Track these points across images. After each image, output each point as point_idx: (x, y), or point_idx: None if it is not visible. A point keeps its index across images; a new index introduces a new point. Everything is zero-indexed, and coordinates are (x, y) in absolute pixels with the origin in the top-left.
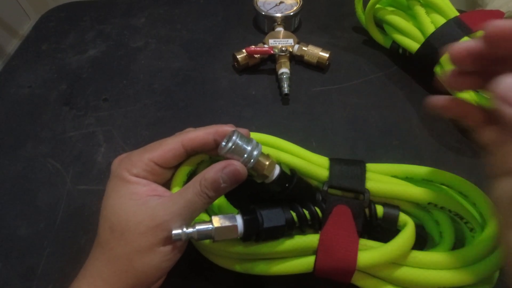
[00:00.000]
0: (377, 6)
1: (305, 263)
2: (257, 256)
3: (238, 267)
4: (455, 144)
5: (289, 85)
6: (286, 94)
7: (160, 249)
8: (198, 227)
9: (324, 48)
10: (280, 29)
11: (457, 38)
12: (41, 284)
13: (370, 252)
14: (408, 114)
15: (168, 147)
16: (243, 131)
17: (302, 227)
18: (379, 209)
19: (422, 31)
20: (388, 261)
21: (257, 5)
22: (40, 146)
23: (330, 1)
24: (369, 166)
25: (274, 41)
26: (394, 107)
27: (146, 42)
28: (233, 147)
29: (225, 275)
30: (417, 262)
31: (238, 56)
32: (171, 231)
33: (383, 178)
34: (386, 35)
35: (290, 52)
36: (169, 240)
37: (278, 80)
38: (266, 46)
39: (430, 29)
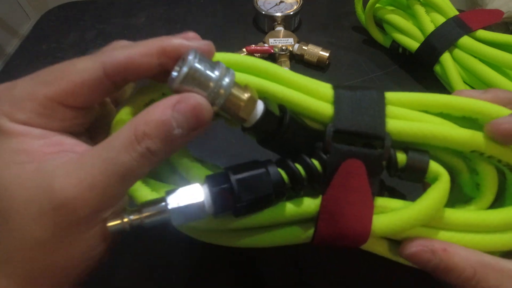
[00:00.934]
0: (377, 5)
1: (303, 233)
2: (238, 229)
3: (220, 240)
4: None
5: None
6: None
7: (73, 240)
8: (146, 211)
9: (324, 47)
10: (280, 28)
11: (456, 37)
12: None
13: (389, 217)
14: None
15: (80, 76)
16: (205, 46)
17: (296, 189)
18: (401, 157)
19: (422, 30)
20: (413, 226)
21: (257, 4)
22: None
23: (330, 1)
24: (389, 96)
25: (274, 40)
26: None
27: None
28: (190, 74)
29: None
30: (449, 223)
31: None
32: (86, 215)
33: (410, 115)
34: (386, 34)
35: (290, 51)
36: (92, 226)
37: None
38: (266, 45)
39: (430, 28)
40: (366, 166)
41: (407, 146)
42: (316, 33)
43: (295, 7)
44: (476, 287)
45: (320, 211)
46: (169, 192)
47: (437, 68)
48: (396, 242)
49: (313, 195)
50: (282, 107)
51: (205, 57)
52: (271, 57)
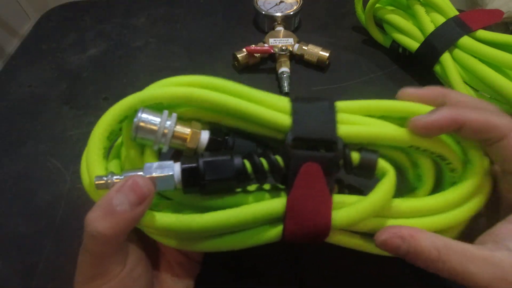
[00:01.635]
0: (377, 5)
1: (273, 232)
2: (212, 232)
3: (196, 246)
4: None
5: (289, 84)
6: (286, 93)
7: None
8: (127, 173)
9: (324, 47)
10: (280, 28)
11: (457, 38)
12: (41, 282)
13: (346, 211)
14: None
15: None
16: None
17: (259, 180)
18: (355, 156)
19: (422, 30)
20: (367, 217)
21: (257, 4)
22: (40, 145)
23: (330, 1)
24: (339, 104)
25: (274, 40)
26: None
27: (146, 41)
28: (139, 125)
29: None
30: (398, 212)
31: (238, 56)
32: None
33: (358, 120)
34: (386, 35)
35: (290, 51)
36: None
37: (278, 79)
38: (266, 45)
39: (430, 28)
40: (323, 167)
41: (361, 147)
42: (316, 33)
43: (295, 7)
44: (444, 268)
45: (286, 210)
46: (147, 164)
47: (437, 68)
48: (364, 235)
49: (279, 195)
50: (226, 130)
51: (151, 110)
52: (271, 57)
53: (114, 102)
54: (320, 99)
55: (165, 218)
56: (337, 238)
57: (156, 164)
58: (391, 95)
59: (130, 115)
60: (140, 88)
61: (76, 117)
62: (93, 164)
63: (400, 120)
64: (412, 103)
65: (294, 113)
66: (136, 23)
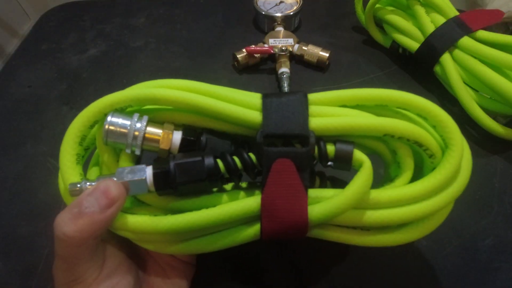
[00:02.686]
0: (377, 5)
1: (251, 231)
2: (192, 234)
3: (173, 248)
4: None
5: (289, 85)
6: None
7: None
8: (100, 181)
9: (324, 48)
10: (280, 28)
11: (457, 38)
12: (41, 283)
13: (322, 205)
14: None
15: None
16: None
17: (234, 179)
18: (330, 148)
19: (422, 30)
20: (344, 210)
21: (257, 4)
22: (40, 145)
23: (330, 1)
24: (312, 97)
25: (274, 40)
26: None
27: (146, 42)
28: (109, 129)
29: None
30: (377, 202)
31: (238, 56)
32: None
33: (331, 111)
34: (386, 35)
35: (290, 52)
36: None
37: (278, 79)
38: (266, 45)
39: (430, 28)
40: (296, 163)
41: (337, 139)
42: (316, 33)
43: (295, 7)
44: None
45: (261, 209)
46: (119, 169)
47: (437, 68)
48: (350, 228)
49: (254, 193)
50: (198, 130)
51: (121, 114)
52: (271, 57)
53: None
54: (292, 93)
55: (138, 220)
56: (318, 233)
57: (128, 168)
58: None
59: (100, 120)
60: None
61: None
62: (66, 171)
63: (376, 108)
64: (385, 89)
65: (265, 109)
66: (136, 23)
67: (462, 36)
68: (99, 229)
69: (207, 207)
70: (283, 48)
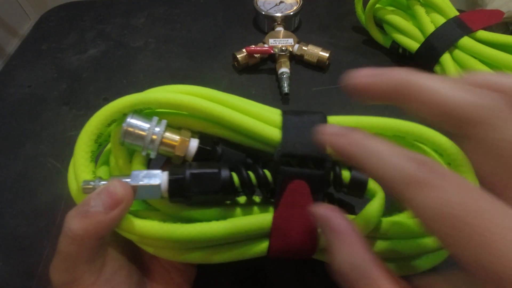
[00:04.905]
0: (377, 5)
1: (258, 248)
2: (200, 244)
3: (181, 257)
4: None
5: (289, 85)
6: (286, 94)
7: None
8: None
9: (324, 48)
10: (280, 28)
11: (457, 38)
12: (41, 283)
13: None
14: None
15: None
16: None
17: (247, 193)
18: (345, 174)
19: (422, 30)
20: None
21: (257, 5)
22: (40, 145)
23: (330, 1)
24: (331, 119)
25: (274, 40)
26: (393, 106)
27: (146, 42)
28: (128, 130)
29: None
30: (385, 232)
31: (238, 56)
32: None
33: None
34: (386, 35)
35: (290, 52)
36: None
37: (278, 79)
38: (266, 45)
39: (430, 28)
40: (310, 185)
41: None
42: (316, 33)
43: (295, 8)
44: None
45: (272, 227)
46: (135, 172)
47: (437, 68)
48: None
49: (267, 210)
50: (216, 140)
51: (140, 116)
52: (271, 57)
53: None
54: (312, 113)
55: (147, 225)
56: (325, 257)
57: (144, 172)
58: None
59: (118, 119)
60: (140, 88)
61: (76, 117)
62: (79, 168)
63: (393, 138)
64: (406, 122)
65: (284, 127)
66: (136, 23)
67: (462, 36)
68: (103, 230)
69: (217, 219)
70: (283, 48)
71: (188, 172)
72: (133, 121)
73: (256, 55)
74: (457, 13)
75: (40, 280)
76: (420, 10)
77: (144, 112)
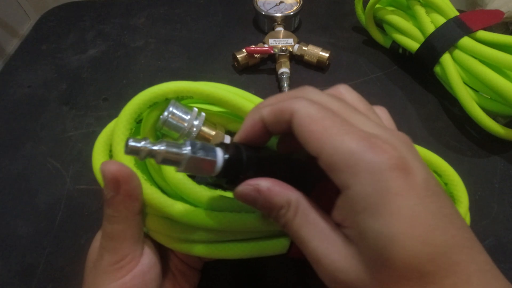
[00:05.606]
0: (377, 6)
1: (279, 245)
2: (224, 236)
3: (202, 251)
4: (455, 143)
5: (289, 85)
6: None
7: None
8: (165, 148)
9: (324, 48)
10: (280, 29)
11: (457, 38)
12: (41, 283)
13: None
14: (408, 114)
15: None
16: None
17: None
18: None
19: (422, 31)
20: None
21: (257, 5)
22: (40, 145)
23: (330, 1)
24: None
25: (274, 40)
26: (394, 107)
27: (146, 42)
28: (169, 117)
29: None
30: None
31: (238, 56)
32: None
33: None
34: (386, 35)
35: (290, 52)
36: None
37: (278, 79)
38: (266, 45)
39: (430, 29)
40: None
41: None
42: (316, 33)
43: (295, 8)
44: (293, 235)
45: None
46: (191, 142)
47: (437, 69)
48: None
49: None
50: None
51: (182, 105)
52: (271, 57)
53: (114, 102)
54: None
55: (180, 208)
56: None
57: (199, 144)
58: (391, 96)
59: (160, 102)
60: (140, 88)
61: (76, 117)
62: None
63: None
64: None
65: None
66: (136, 23)
67: (462, 36)
68: (133, 204)
69: (246, 211)
70: (283, 48)
71: (244, 154)
72: (175, 110)
73: (256, 55)
74: (457, 13)
75: (40, 279)
76: (420, 10)
77: (183, 101)
